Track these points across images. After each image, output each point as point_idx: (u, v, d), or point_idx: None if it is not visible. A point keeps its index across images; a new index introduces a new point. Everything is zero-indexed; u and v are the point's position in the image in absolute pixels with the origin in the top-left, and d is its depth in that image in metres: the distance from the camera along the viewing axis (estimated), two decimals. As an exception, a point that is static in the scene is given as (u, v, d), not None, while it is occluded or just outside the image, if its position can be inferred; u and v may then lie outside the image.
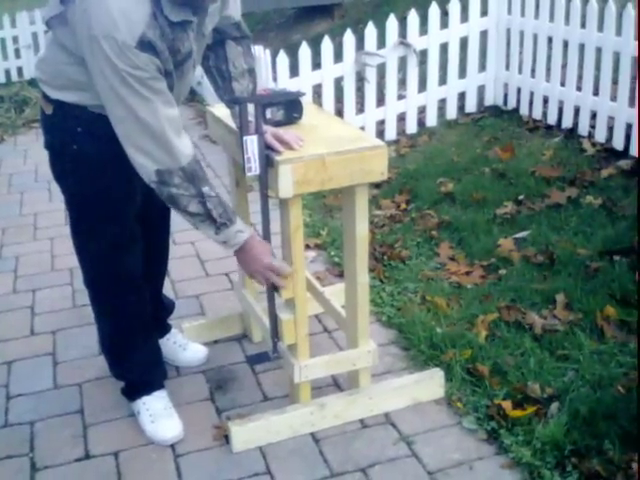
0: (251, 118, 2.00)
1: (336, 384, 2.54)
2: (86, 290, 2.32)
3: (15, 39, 7.37)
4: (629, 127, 3.84)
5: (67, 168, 2.09)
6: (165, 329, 2.68)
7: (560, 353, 2.52)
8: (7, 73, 7.37)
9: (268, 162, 2.03)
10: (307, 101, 2.51)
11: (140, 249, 2.25)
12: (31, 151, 5.34)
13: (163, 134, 1.87)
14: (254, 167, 2.04)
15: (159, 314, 2.61)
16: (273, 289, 2.20)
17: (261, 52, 4.25)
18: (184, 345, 2.69)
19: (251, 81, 2.22)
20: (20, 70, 7.39)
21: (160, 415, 2.33)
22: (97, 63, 1.79)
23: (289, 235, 2.13)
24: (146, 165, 1.90)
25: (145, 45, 1.76)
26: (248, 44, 2.25)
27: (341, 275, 3.21)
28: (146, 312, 2.35)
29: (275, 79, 4.22)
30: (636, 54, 3.77)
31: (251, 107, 2.01)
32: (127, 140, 1.89)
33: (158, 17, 1.79)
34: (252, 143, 2.01)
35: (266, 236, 2.17)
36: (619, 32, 3.87)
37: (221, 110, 2.40)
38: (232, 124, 2.25)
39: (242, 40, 2.22)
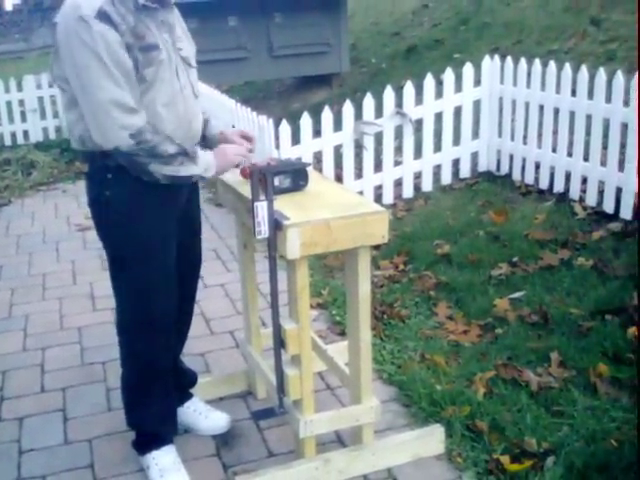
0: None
1: (339, 440, 2.61)
2: (117, 336, 2.41)
3: (21, 102, 7.58)
4: (619, 191, 4.00)
5: (102, 215, 2.23)
6: (186, 396, 2.71)
7: (555, 409, 2.61)
8: (13, 136, 7.55)
9: (277, 226, 2.16)
10: (311, 169, 2.66)
11: (175, 295, 2.35)
12: (38, 213, 5.49)
13: (123, 97, 2.02)
14: (264, 230, 2.17)
15: (179, 380, 2.64)
16: (280, 345, 2.30)
17: (264, 121, 4.43)
18: (205, 413, 2.69)
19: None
20: (26, 133, 7.58)
21: (169, 470, 2.40)
22: (70, 47, 2.01)
23: (296, 294, 2.25)
24: (121, 135, 2.03)
25: (103, 16, 1.98)
26: None
27: (342, 334, 3.32)
28: (169, 363, 2.43)
29: (278, 146, 4.40)
30: (625, 121, 3.94)
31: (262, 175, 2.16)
32: (96, 117, 2.03)
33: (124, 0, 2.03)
34: (262, 208, 2.14)
35: (274, 294, 2.27)
36: (609, 99, 4.06)
37: (231, 178, 2.54)
38: (242, 191, 2.40)
39: None
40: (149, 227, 2.21)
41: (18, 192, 6.03)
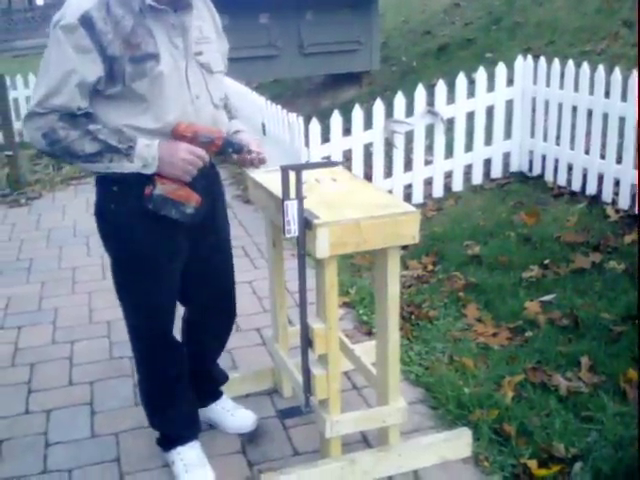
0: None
1: (365, 441, 2.60)
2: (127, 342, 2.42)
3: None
4: (652, 194, 3.94)
5: (107, 227, 2.18)
6: (215, 396, 2.70)
7: (584, 414, 2.58)
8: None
9: (306, 225, 2.15)
10: (342, 169, 2.64)
11: (175, 310, 2.35)
12: (69, 207, 5.55)
13: (47, 97, 1.93)
14: (293, 229, 2.15)
15: (209, 383, 2.66)
16: (308, 344, 2.29)
17: (294, 119, 4.42)
18: (232, 411, 2.68)
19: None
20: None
21: (194, 465, 2.41)
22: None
23: (324, 293, 2.23)
24: (36, 137, 1.96)
25: (87, 21, 1.90)
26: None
27: (369, 333, 3.31)
28: (182, 370, 2.43)
29: (307, 144, 4.39)
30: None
31: (292, 174, 2.14)
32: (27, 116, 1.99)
33: (129, 0, 1.95)
34: (292, 207, 2.13)
35: (302, 292, 2.26)
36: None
37: (261, 176, 2.53)
38: (272, 189, 2.38)
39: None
40: (151, 243, 2.15)
41: (49, 186, 6.10)
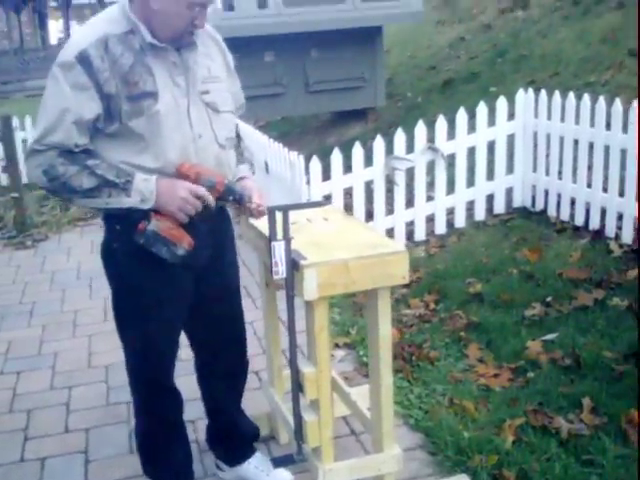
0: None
1: (361, 487, 2.54)
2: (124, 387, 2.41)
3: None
4: (656, 228, 3.90)
5: (110, 265, 2.19)
6: (247, 453, 2.60)
7: (585, 458, 2.52)
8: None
9: (294, 266, 2.12)
10: (335, 208, 2.63)
11: (175, 355, 2.33)
12: (75, 249, 5.56)
13: (45, 134, 1.95)
14: (281, 270, 2.13)
15: (236, 436, 2.58)
16: (299, 389, 2.25)
17: (295, 157, 4.43)
18: (267, 470, 2.57)
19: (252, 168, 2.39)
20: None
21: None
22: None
23: (314, 336, 2.21)
24: (36, 174, 1.98)
25: (83, 60, 1.92)
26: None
27: (369, 375, 3.26)
28: (177, 418, 2.40)
29: (308, 182, 4.38)
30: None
31: (279, 214, 2.12)
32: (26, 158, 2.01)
33: (129, 38, 1.97)
34: (280, 248, 2.11)
35: (292, 335, 2.23)
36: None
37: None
38: (263, 229, 2.36)
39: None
40: (150, 284, 2.13)
41: (56, 228, 6.11)
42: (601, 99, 4.27)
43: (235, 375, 2.53)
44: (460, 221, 4.90)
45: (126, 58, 1.97)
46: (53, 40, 27.16)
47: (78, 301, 4.47)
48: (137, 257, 2.06)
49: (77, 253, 5.45)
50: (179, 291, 2.20)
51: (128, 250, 2.06)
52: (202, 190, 2.02)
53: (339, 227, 2.43)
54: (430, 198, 4.84)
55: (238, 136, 2.35)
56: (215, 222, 2.21)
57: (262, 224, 2.39)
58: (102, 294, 4.54)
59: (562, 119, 4.57)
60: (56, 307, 4.40)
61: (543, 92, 4.76)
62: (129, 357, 2.30)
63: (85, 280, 4.83)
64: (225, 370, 2.47)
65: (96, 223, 6.24)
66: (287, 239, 2.12)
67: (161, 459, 2.40)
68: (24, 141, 7.58)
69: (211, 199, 2.05)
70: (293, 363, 2.28)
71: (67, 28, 20.76)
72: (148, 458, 2.43)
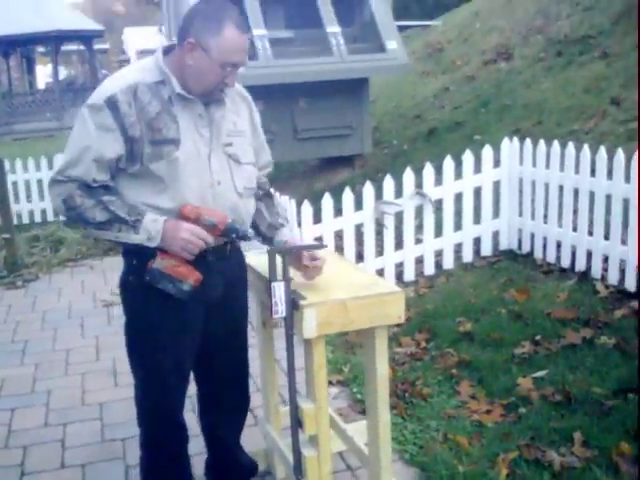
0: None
1: (359, 522, 2.57)
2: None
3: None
4: (640, 269, 4.00)
5: (125, 298, 2.29)
6: None
7: (578, 490, 2.57)
8: (43, 213, 7.75)
9: (294, 306, 2.20)
10: (329, 251, 2.70)
11: (185, 389, 2.37)
12: (65, 289, 5.58)
13: (67, 166, 2.09)
14: (281, 310, 2.20)
15: (235, 471, 2.64)
16: (298, 424, 2.30)
17: (287, 201, 4.53)
18: None
19: (289, 227, 2.48)
20: (56, 211, 7.74)
21: None
22: None
23: (313, 373, 2.26)
24: (57, 202, 2.12)
25: (111, 104, 2.06)
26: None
27: (363, 412, 3.28)
28: (182, 450, 2.43)
29: (300, 225, 4.47)
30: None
31: (279, 257, 2.20)
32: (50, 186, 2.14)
33: (159, 88, 2.10)
34: (279, 288, 2.19)
35: (291, 372, 2.28)
36: (628, 179, 4.11)
37: (251, 257, 2.58)
38: (261, 270, 2.44)
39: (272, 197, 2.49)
40: (161, 318, 2.21)
41: (46, 268, 6.14)
42: (585, 147, 4.41)
43: (237, 410, 2.59)
44: (448, 263, 5.00)
45: (153, 106, 2.09)
46: (41, 85, 27.37)
47: (70, 340, 4.48)
48: (150, 291, 2.14)
49: (68, 293, 5.48)
50: (189, 326, 2.27)
51: (142, 284, 2.14)
52: (200, 231, 2.11)
53: (334, 269, 2.49)
54: (419, 241, 4.94)
55: (269, 194, 2.48)
56: (229, 262, 2.31)
57: (260, 266, 2.47)
58: (93, 333, 4.58)
59: (547, 166, 4.72)
60: (48, 346, 4.41)
61: (528, 141, 4.91)
62: (138, 389, 2.35)
63: (76, 320, 4.85)
64: (228, 405, 2.53)
65: (86, 264, 6.31)
66: (287, 279, 2.20)
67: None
68: (14, 183, 7.66)
69: (210, 239, 2.14)
70: (293, 399, 2.32)
71: (56, 73, 20.96)
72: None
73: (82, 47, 23.58)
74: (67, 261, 6.34)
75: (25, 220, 7.62)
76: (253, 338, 4.22)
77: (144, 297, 2.19)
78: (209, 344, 2.35)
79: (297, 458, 2.33)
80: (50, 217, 7.68)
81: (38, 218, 7.71)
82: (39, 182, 7.76)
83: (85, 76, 27.70)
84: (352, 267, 2.64)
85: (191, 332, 2.28)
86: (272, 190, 2.54)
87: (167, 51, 2.18)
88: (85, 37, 21.48)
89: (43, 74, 31.30)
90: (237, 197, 2.24)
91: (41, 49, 25.63)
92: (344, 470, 2.89)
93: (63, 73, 26.03)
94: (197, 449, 2.63)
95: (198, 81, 2.11)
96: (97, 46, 24.53)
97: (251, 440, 3.11)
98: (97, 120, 2.07)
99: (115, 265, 6.10)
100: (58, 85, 20.76)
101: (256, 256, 2.55)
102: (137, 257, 2.17)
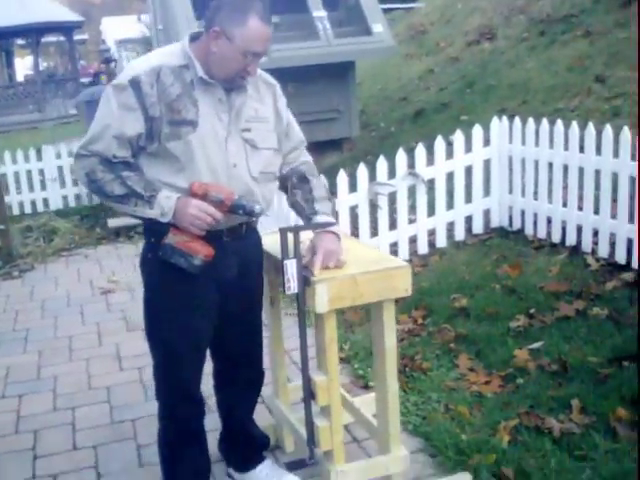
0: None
1: (368, 490, 2.66)
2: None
3: (41, 172, 7.78)
4: (630, 242, 4.10)
5: (144, 274, 2.38)
6: (257, 460, 2.73)
7: (578, 453, 2.68)
8: (33, 204, 7.72)
9: (306, 282, 2.27)
10: (337, 228, 2.77)
11: (202, 366, 2.44)
12: (62, 278, 5.63)
13: (90, 142, 2.20)
14: (293, 286, 2.28)
15: (249, 443, 2.72)
16: (310, 396, 2.38)
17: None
18: (278, 477, 2.68)
19: (333, 204, 2.52)
20: (46, 201, 7.74)
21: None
22: None
23: (325, 347, 2.34)
24: (81, 174, 2.23)
25: (134, 84, 2.16)
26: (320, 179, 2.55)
27: (366, 387, 3.39)
28: (199, 424, 2.51)
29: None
30: (633, 174, 4.08)
31: (290, 235, 2.27)
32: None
33: (182, 71, 2.19)
34: (292, 266, 2.26)
35: (303, 345, 2.36)
36: (616, 154, 4.20)
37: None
38: (270, 250, 2.52)
39: (317, 176, 2.53)
40: (177, 294, 2.29)
41: (41, 258, 6.18)
42: (574, 123, 4.50)
43: (251, 386, 2.67)
44: (441, 241, 5.09)
45: (175, 88, 2.18)
46: (20, 77, 27.13)
47: (71, 327, 4.54)
48: (166, 268, 2.22)
49: (65, 282, 5.52)
50: (204, 302, 2.33)
51: (159, 261, 2.22)
52: (208, 207, 2.18)
53: (343, 246, 2.57)
54: (412, 220, 5.03)
55: (304, 179, 2.48)
56: (245, 242, 2.38)
57: (268, 245, 2.54)
58: (94, 320, 4.63)
59: (536, 144, 4.80)
60: (50, 333, 4.47)
61: (517, 119, 4.99)
62: (155, 364, 2.42)
63: (76, 307, 4.90)
64: (242, 381, 2.60)
65: (80, 253, 6.35)
66: (298, 257, 2.27)
67: (180, 466, 2.49)
68: (3, 175, 7.65)
69: (218, 215, 2.20)
70: (305, 372, 2.40)
71: (36, 65, 20.79)
72: (167, 462, 2.52)
73: (62, 38, 23.38)
74: (61, 250, 6.37)
75: (16, 211, 7.61)
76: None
77: (161, 274, 2.28)
78: (225, 322, 2.42)
79: (310, 429, 2.42)
80: (40, 208, 7.69)
81: (28, 209, 7.69)
82: (28, 173, 7.74)
83: (65, 67, 27.47)
84: (359, 244, 2.72)
85: (207, 310, 2.35)
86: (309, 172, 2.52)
87: (194, 38, 2.26)
88: (65, 28, 21.32)
89: (22, 66, 31.02)
90: (252, 181, 2.30)
91: (20, 41, 25.38)
92: (351, 442, 2.98)
93: (42, 65, 25.81)
94: (211, 425, 2.70)
95: (221, 68, 2.18)
96: (76, 37, 24.33)
97: (257, 416, 3.19)
98: (120, 99, 2.16)
99: (109, 254, 6.19)
100: (39, 77, 20.58)
101: (263, 236, 2.62)
102: (155, 235, 2.26)
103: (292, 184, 2.47)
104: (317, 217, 2.40)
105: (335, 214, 2.52)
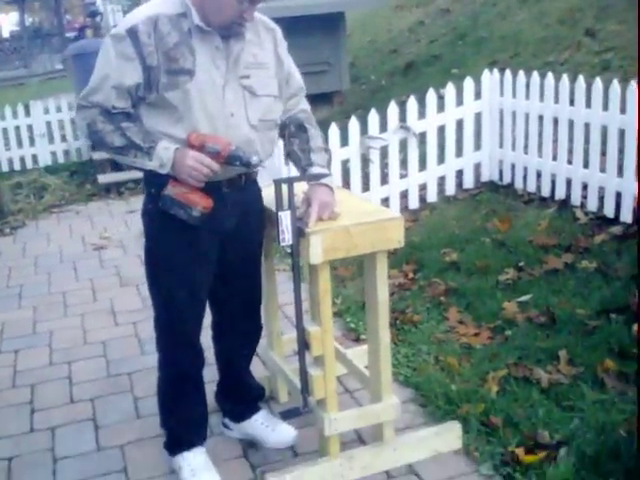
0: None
1: (360, 440, 2.73)
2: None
3: (29, 127, 7.71)
4: (619, 195, 4.15)
5: (145, 225, 2.41)
6: (254, 409, 2.79)
7: (566, 404, 2.75)
8: (22, 160, 7.66)
9: (300, 233, 2.29)
10: (330, 180, 2.79)
11: (201, 316, 2.48)
12: (53, 234, 5.63)
13: (92, 92, 2.22)
14: (287, 238, 2.30)
15: (245, 393, 2.78)
16: (304, 346, 2.42)
17: (273, 137, 4.57)
18: (272, 426, 2.74)
19: (329, 156, 2.48)
20: (35, 157, 7.68)
21: (200, 469, 2.53)
22: None
23: (319, 298, 2.38)
24: (82, 125, 2.26)
25: (132, 34, 2.15)
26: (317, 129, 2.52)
27: (357, 340, 3.45)
28: (198, 372, 2.56)
29: (287, 163, 4.53)
30: (622, 127, 4.10)
31: (285, 187, 2.28)
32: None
33: (180, 20, 2.18)
34: (286, 217, 2.28)
35: (297, 296, 2.39)
36: (606, 107, 4.22)
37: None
38: (265, 203, 2.53)
39: (315, 126, 2.50)
40: (175, 243, 2.31)
41: (32, 214, 6.17)
42: (564, 77, 4.50)
43: (249, 336, 2.71)
44: (432, 196, 5.12)
45: (172, 37, 2.17)
46: (5, 33, 26.69)
47: (65, 283, 4.56)
48: (166, 219, 2.25)
49: (57, 238, 5.53)
50: (203, 253, 2.36)
51: (159, 212, 2.25)
52: (204, 158, 2.18)
53: (337, 198, 2.58)
54: (403, 175, 5.04)
55: (302, 128, 2.45)
56: (244, 193, 2.39)
57: (264, 198, 2.55)
58: (87, 276, 4.66)
59: (527, 97, 4.80)
60: (44, 289, 4.50)
61: (508, 72, 4.98)
62: (156, 313, 2.46)
63: (69, 263, 4.92)
64: (241, 331, 2.64)
65: (71, 209, 6.34)
66: (293, 208, 2.28)
67: (180, 412, 2.55)
68: (17, 128, 7.56)
69: (215, 165, 2.20)
70: (299, 323, 2.44)
71: (22, 21, 20.45)
72: (168, 411, 2.58)
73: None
74: (52, 207, 6.37)
75: (5, 168, 7.57)
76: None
77: (161, 225, 2.31)
78: (224, 273, 2.45)
79: (304, 378, 2.46)
80: (29, 164, 7.64)
81: (17, 166, 7.63)
82: (17, 129, 7.66)
83: (50, 22, 26.99)
84: (353, 196, 2.74)
85: (206, 260, 2.38)
86: (307, 121, 2.49)
87: None
88: (50, -18, 20.91)
89: (7, 23, 30.48)
90: (250, 129, 2.29)
91: (4, -2, 24.90)
92: (343, 392, 3.04)
93: (28, 21, 25.37)
94: (209, 377, 2.75)
95: (217, 15, 2.16)
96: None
97: (252, 368, 3.24)
98: (118, 49, 2.16)
99: (101, 210, 6.19)
100: (25, 33, 20.24)
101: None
102: (155, 186, 2.27)
103: (289, 132, 2.47)
104: (313, 168, 2.38)
105: (330, 165, 2.50)
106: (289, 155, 2.50)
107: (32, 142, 7.72)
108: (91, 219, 5.95)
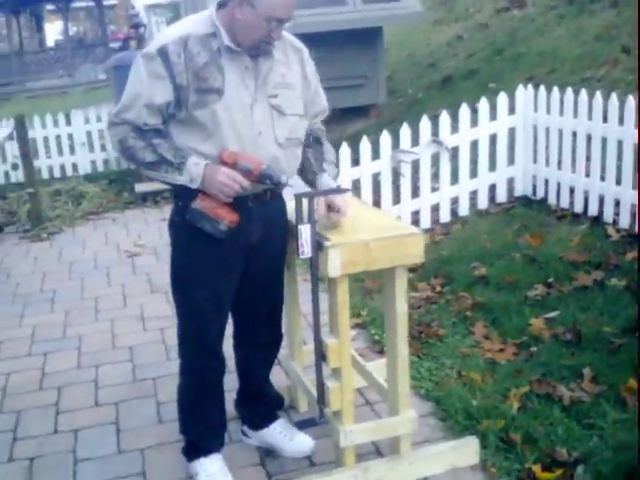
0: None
1: (377, 452, 2.72)
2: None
3: (70, 136, 7.89)
4: (651, 213, 4.09)
5: (172, 236, 2.46)
6: (273, 418, 2.82)
7: (586, 422, 2.71)
8: (62, 168, 7.84)
9: (319, 246, 2.32)
10: (350, 195, 2.81)
11: (224, 326, 2.53)
12: (89, 241, 5.74)
13: (123, 110, 2.27)
14: (307, 251, 2.33)
15: (265, 402, 2.81)
16: (322, 358, 2.44)
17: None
18: (290, 435, 2.77)
19: (338, 172, 2.58)
20: (75, 166, 7.86)
21: (216, 475, 2.55)
22: None
23: (337, 310, 2.39)
24: (114, 141, 2.33)
25: (162, 53, 2.21)
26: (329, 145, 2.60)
27: (381, 352, 3.44)
28: (219, 380, 2.59)
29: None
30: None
31: (305, 201, 2.31)
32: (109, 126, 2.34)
33: (209, 40, 2.23)
34: (306, 231, 2.31)
35: (316, 309, 2.42)
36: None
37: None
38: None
39: (329, 143, 2.58)
40: (202, 256, 2.36)
41: (69, 221, 6.29)
42: (598, 94, 4.46)
43: (270, 345, 2.74)
44: (464, 210, 5.09)
45: (202, 57, 2.22)
46: (50, 42, 27.34)
47: (97, 289, 4.64)
48: (193, 231, 2.30)
49: (92, 245, 5.63)
50: (228, 265, 2.40)
51: (186, 224, 2.31)
52: (236, 175, 2.24)
53: (356, 213, 2.60)
54: (435, 189, 5.03)
55: (319, 140, 2.54)
56: (269, 208, 2.44)
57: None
58: (119, 282, 4.73)
59: (561, 113, 4.76)
60: (76, 294, 4.58)
61: (542, 88, 4.95)
62: (180, 322, 2.51)
63: (102, 270, 5.01)
64: (262, 340, 2.67)
65: (108, 217, 6.45)
66: (312, 222, 2.32)
67: (198, 419, 2.58)
68: (33, 140, 7.74)
69: (246, 183, 2.26)
70: (317, 334, 2.46)
71: (66, 30, 20.94)
72: (187, 417, 2.61)
73: (91, 3, 23.42)
74: (89, 214, 6.49)
75: (45, 175, 7.74)
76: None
77: (187, 236, 2.35)
78: (247, 284, 2.49)
79: (321, 389, 2.48)
80: (69, 172, 7.80)
81: (57, 174, 7.81)
82: (57, 138, 7.85)
83: (94, 32, 27.60)
84: (373, 210, 2.75)
85: (230, 272, 2.43)
86: (323, 137, 2.58)
87: (221, 5, 2.28)
88: (94, -7, 21.41)
89: (52, 32, 31.26)
90: (277, 147, 2.34)
91: (50, 7, 25.55)
92: (363, 405, 3.04)
93: (72, 30, 25.97)
94: (229, 386, 2.77)
95: (245, 35, 2.21)
96: (105, 2, 24.39)
97: (273, 377, 3.25)
98: (149, 68, 2.22)
99: (136, 218, 6.29)
100: (69, 42, 20.72)
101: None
102: (183, 199, 2.33)
103: (307, 142, 2.52)
104: (324, 175, 2.46)
105: (337, 180, 2.56)
106: (302, 162, 2.52)
107: (72, 150, 7.89)
108: (127, 227, 6.05)
